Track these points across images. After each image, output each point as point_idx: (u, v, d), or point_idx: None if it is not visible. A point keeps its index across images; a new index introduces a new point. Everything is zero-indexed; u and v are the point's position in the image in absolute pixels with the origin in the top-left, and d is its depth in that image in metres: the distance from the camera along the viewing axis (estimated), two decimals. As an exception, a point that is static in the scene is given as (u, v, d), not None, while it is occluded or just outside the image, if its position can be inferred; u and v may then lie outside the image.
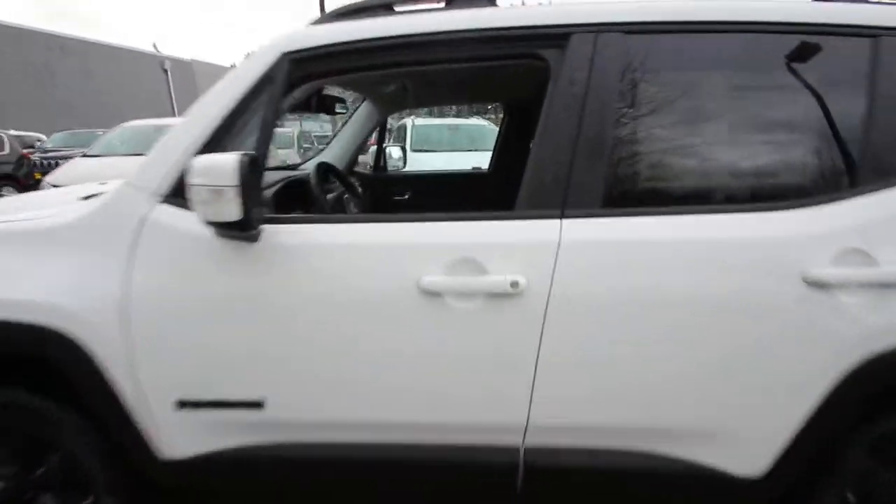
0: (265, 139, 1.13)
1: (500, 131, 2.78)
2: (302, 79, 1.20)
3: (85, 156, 6.42)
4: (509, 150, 2.69)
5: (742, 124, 1.12)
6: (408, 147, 6.34)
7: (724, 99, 1.13)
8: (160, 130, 6.69)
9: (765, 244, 1.05)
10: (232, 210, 0.95)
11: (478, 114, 11.41)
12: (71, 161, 6.47)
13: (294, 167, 2.47)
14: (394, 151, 3.02)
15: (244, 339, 1.14)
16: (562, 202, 1.09)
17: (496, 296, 1.08)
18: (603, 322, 1.07)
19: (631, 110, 1.12)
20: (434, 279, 1.08)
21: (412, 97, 2.28)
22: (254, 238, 1.11)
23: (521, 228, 1.10)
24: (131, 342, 1.14)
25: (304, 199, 1.55)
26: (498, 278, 1.07)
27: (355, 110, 2.51)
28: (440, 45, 1.17)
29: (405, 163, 2.96)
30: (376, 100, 2.39)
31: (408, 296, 1.09)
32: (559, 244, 1.07)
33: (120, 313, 1.13)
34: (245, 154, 0.97)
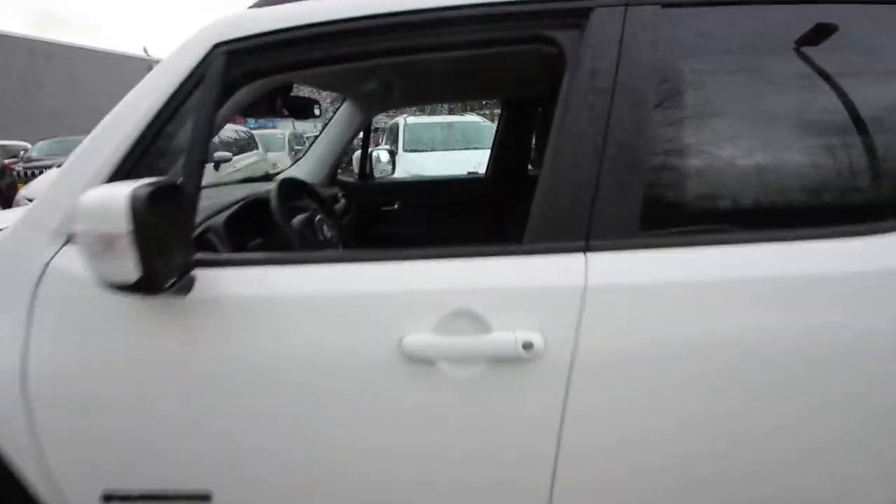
0: (196, 157, 0.86)
1: (497, 131, 2.50)
2: (244, 76, 0.93)
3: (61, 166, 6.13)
4: (508, 151, 2.42)
5: (829, 121, 0.85)
6: (400, 147, 6.10)
7: (801, 89, 0.86)
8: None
9: (866, 280, 0.79)
10: (125, 267, 0.67)
11: (472, 110, 11.05)
12: (48, 172, 6.18)
13: (270, 177, 2.20)
14: (382, 155, 2.74)
15: (179, 418, 0.88)
16: (586, 230, 0.83)
17: (504, 361, 0.82)
18: (648, 391, 0.81)
19: (675, 107, 0.85)
20: (420, 339, 0.82)
21: (397, 95, 2.00)
22: (184, 290, 0.85)
23: (534, 267, 0.83)
24: (34, 424, 0.88)
25: (266, 224, 1.28)
26: (505, 337, 0.80)
27: (335, 112, 2.24)
28: (422, 28, 0.90)
29: (394, 168, 2.68)
30: (357, 99, 2.12)
31: (386, 362, 0.83)
32: (585, 288, 0.80)
33: (22, 388, 0.88)
34: (148, 185, 0.69)
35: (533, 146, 2.39)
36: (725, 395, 0.81)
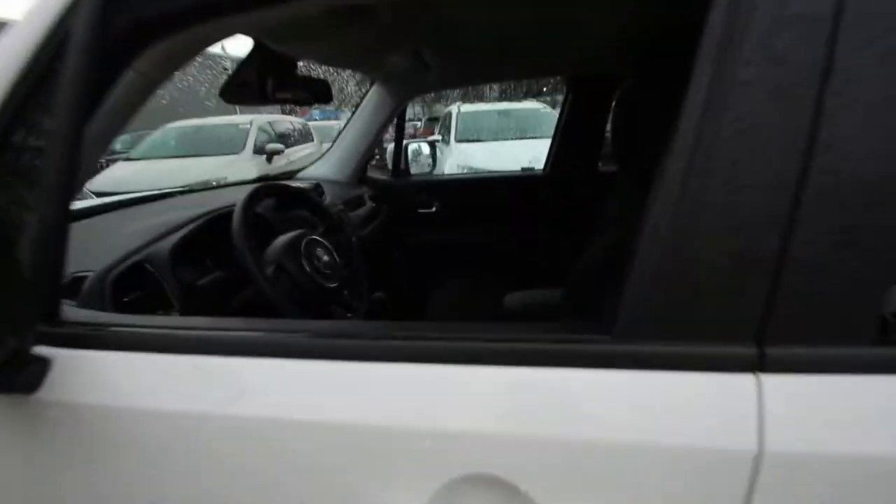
0: (57, 168, 0.52)
1: (560, 117, 2.02)
2: (137, 31, 0.56)
3: (128, 159, 6.34)
4: (574, 143, 1.94)
5: None
6: (452, 137, 5.71)
7: None
8: (201, 131, 6.49)
9: None
10: None
11: (528, 95, 10.23)
12: (113, 166, 6.38)
13: (264, 180, 1.89)
14: (423, 147, 2.35)
15: None
16: (757, 323, 0.39)
17: None
18: None
19: None
20: None
21: (434, 73, 1.59)
22: (25, 386, 0.51)
23: (640, 396, 0.40)
24: None
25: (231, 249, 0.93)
26: None
27: (361, 99, 1.88)
28: None
29: (434, 163, 2.27)
30: (385, 81, 1.74)
31: None
32: (760, 452, 0.37)
33: None
34: None
35: (608, 136, 1.90)
36: None
